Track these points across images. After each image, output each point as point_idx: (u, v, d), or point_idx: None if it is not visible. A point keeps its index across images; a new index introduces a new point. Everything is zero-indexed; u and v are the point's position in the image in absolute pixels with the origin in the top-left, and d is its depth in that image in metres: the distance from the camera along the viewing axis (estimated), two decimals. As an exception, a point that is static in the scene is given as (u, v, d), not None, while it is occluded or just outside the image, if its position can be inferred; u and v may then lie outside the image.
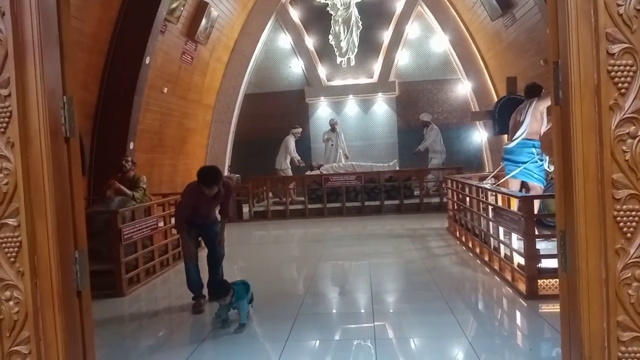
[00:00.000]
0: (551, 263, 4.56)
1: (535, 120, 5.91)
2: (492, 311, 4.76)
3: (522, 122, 5.98)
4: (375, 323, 4.21)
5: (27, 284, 1.91)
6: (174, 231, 6.97)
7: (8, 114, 1.95)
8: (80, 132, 7.47)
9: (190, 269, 4.87)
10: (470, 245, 6.88)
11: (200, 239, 5.43)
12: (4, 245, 1.92)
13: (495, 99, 10.94)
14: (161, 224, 6.61)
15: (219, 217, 5.24)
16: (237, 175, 12.05)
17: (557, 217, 1.99)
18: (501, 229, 5.51)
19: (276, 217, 11.23)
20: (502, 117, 7.50)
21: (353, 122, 13.76)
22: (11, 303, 1.91)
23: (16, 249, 1.91)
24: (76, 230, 2.09)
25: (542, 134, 6.05)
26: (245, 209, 11.45)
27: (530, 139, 5.94)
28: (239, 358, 3.68)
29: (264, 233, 10.14)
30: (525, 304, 4.52)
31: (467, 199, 7.12)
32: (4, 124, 1.94)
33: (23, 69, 1.97)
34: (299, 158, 12.13)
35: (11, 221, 1.91)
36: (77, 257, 2.08)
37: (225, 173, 12.65)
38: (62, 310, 1.95)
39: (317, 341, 3.98)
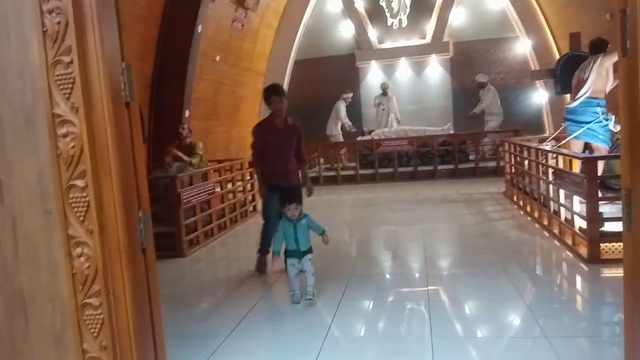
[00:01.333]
0: (614, 226, 4.38)
1: (600, 77, 5.58)
2: (551, 275, 4.64)
3: (586, 79, 5.66)
4: (429, 287, 4.20)
5: (95, 241, 2.02)
6: (230, 195, 7.19)
7: (71, 80, 2.03)
8: (139, 102, 7.75)
9: (269, 221, 4.80)
10: (529, 209, 6.69)
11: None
12: (73, 205, 2.03)
13: (557, 57, 10.38)
14: (218, 189, 6.80)
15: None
16: (290, 142, 12.12)
17: (623, 175, 1.90)
18: (562, 192, 5.31)
19: (328, 182, 11.30)
20: (565, 75, 7.10)
21: (405, 85, 13.45)
22: (82, 259, 2.04)
23: (85, 209, 2.02)
24: (139, 191, 2.18)
25: (607, 92, 5.71)
26: (298, 175, 11.57)
27: (595, 98, 5.63)
28: (293, 316, 3.80)
29: (316, 198, 10.18)
30: (586, 268, 4.38)
31: (526, 161, 6.88)
32: (68, 90, 2.03)
33: (83, 37, 2.04)
34: (350, 123, 12.06)
35: (79, 182, 2.01)
36: (141, 217, 2.17)
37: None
38: (129, 266, 2.06)
39: (370, 302, 4.03)
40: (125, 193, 2.08)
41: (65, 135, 2.02)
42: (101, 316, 2.05)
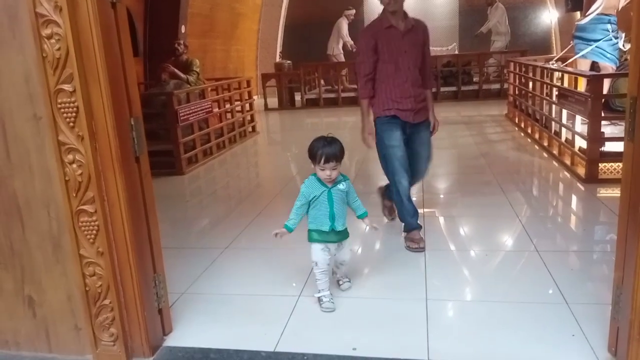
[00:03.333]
0: (614, 146, 4.34)
1: (614, -8, 5.30)
2: (547, 194, 4.67)
3: (600, -6, 5.39)
4: (425, 209, 4.23)
5: (87, 148, 1.99)
6: (228, 115, 7.11)
7: (53, -24, 1.91)
8: (132, 15, 7.44)
9: (400, 187, 3.24)
10: (530, 131, 6.62)
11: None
12: (62, 110, 1.98)
13: (570, -27, 9.86)
14: (216, 108, 6.70)
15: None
16: (289, 62, 11.83)
17: (630, 82, 1.83)
18: (564, 113, 5.23)
19: (328, 104, 11.13)
20: (577, -10, 6.79)
21: (410, 2, 12.85)
22: (74, 166, 2.02)
23: (74, 114, 1.97)
24: (130, 97, 2.12)
25: (619, 8, 5.46)
26: (297, 97, 11.39)
27: (607, 14, 5.38)
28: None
29: (316, 121, 10.13)
30: (583, 188, 4.39)
31: (530, 82, 6.72)
32: (51, -13, 1.92)
33: None
34: (352, 42, 11.67)
35: (67, 87, 1.95)
36: (133, 124, 2.13)
37: (277, 59, 12.47)
38: (122, 173, 2.05)
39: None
40: (115, 98, 2.02)
41: (49, 37, 1.93)
42: (96, 223, 2.06)
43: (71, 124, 1.99)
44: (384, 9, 3.14)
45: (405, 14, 3.16)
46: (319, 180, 2.59)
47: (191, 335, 2.37)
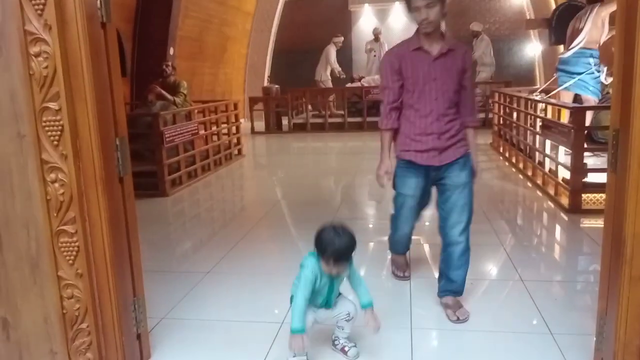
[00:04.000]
0: (597, 177, 4.40)
1: (595, 27, 5.47)
2: (531, 223, 4.70)
3: (582, 29, 5.55)
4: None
5: (70, 167, 1.96)
6: (214, 137, 7.09)
7: (44, -5, 1.91)
8: (121, 36, 7.45)
9: (403, 212, 2.86)
10: (514, 160, 6.71)
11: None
12: (47, 128, 1.95)
13: (554, 7, 10.16)
14: (202, 131, 6.69)
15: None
16: (277, 86, 11.91)
17: (612, 114, 1.87)
18: (548, 143, 5.31)
19: (315, 129, 11.19)
20: (560, 25, 6.97)
21: (398, 31, 13.11)
22: (57, 185, 1.98)
23: (59, 133, 1.95)
24: (116, 117, 2.11)
25: (601, 43, 5.62)
26: (285, 121, 11.44)
27: (589, 48, 5.54)
28: (274, 256, 3.82)
29: (302, 145, 10.17)
30: (567, 218, 4.44)
31: (515, 113, 6.84)
32: (41, 6, 1.90)
33: (56, -51, 1.91)
34: (340, 69, 11.85)
35: (52, 105, 1.93)
36: (118, 144, 2.11)
37: (265, 84, 12.56)
38: (105, 193, 2.01)
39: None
40: (101, 118, 2.00)
41: (37, 55, 1.92)
42: (77, 243, 2.02)
43: (55, 142, 1.96)
44: (417, 30, 2.61)
45: (442, 34, 2.59)
46: (320, 267, 2.18)
47: (170, 361, 2.31)
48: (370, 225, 4.65)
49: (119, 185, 2.12)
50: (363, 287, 2.28)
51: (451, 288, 2.73)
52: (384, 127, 2.70)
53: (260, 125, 11.33)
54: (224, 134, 7.49)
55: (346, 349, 2.30)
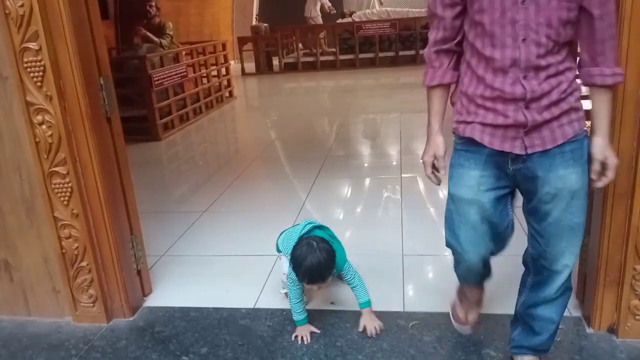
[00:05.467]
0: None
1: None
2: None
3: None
4: (403, 173, 4.27)
5: (56, 108, 1.95)
6: (204, 80, 6.98)
7: None
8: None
9: (458, 243, 1.67)
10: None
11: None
12: (29, 69, 1.92)
13: None
14: (191, 73, 6.57)
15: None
16: (265, 25, 11.61)
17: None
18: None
19: (307, 69, 11.01)
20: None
21: (388, -36, 12.68)
22: (44, 127, 1.98)
23: (41, 73, 1.92)
24: (98, 56, 2.07)
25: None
26: (275, 61, 11.24)
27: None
28: (269, 193, 3.87)
29: (294, 85, 10.04)
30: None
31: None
32: (9, -60, 1.83)
33: None
34: (330, 4, 11.51)
35: (32, 45, 1.90)
36: (103, 84, 2.08)
37: (253, 22, 12.22)
38: (94, 134, 2.01)
39: (344, 182, 4.09)
40: (83, 57, 1.97)
41: (11, -7, 1.86)
42: (69, 184, 2.04)
43: (39, 83, 1.94)
44: None
45: None
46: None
47: (171, 295, 2.39)
48: (365, 164, 4.67)
49: (106, 125, 2.12)
50: (361, 287, 2.00)
51: (532, 344, 1.70)
52: (429, 82, 1.58)
53: (250, 66, 11.13)
54: (214, 76, 7.37)
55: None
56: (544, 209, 1.51)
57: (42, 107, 1.96)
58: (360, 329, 2.01)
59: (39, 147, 2.00)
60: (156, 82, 5.46)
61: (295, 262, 1.88)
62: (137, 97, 5.54)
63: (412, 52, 10.66)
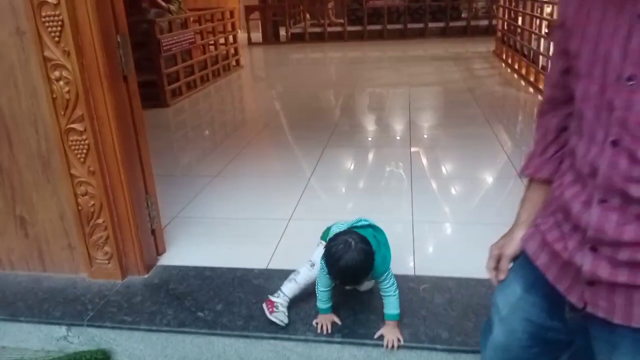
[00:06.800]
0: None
1: None
2: (531, 126, 4.71)
3: None
4: (412, 141, 4.27)
5: (74, 64, 1.94)
6: (212, 48, 6.92)
7: None
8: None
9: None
10: (517, 66, 6.60)
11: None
12: (47, 24, 1.91)
13: None
14: (198, 40, 6.51)
15: None
16: (274, -6, 11.43)
17: None
18: (553, 45, 5.20)
19: (314, 39, 10.90)
20: None
21: None
22: (61, 83, 1.97)
23: (59, 28, 1.91)
24: (115, 14, 2.05)
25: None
26: (282, 32, 11.11)
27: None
28: (278, 162, 3.88)
29: (301, 57, 9.95)
30: (568, 121, 4.45)
31: (520, 17, 6.64)
32: None
33: None
34: (339, -26, 11.32)
35: (50, -1, 1.88)
36: (120, 42, 2.07)
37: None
38: (111, 91, 2.01)
39: (352, 150, 4.10)
40: (101, 13, 1.95)
41: (29, -54, 1.84)
42: (86, 142, 2.04)
43: (56, 38, 1.92)
44: None
45: None
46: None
47: (185, 255, 2.42)
48: (374, 136, 4.65)
49: (123, 83, 2.11)
50: (395, 299, 1.79)
51: None
52: (521, 168, 1.17)
53: (257, 36, 11.02)
54: (221, 44, 7.30)
55: None
56: None
57: (59, 62, 1.95)
58: (377, 336, 1.81)
59: (56, 103, 2.00)
60: (165, 48, 5.42)
61: (329, 258, 1.68)
62: (145, 62, 5.49)
63: (421, 25, 10.54)
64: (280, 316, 1.88)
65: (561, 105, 1.03)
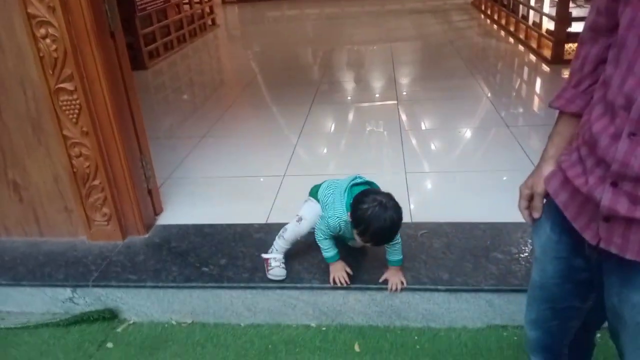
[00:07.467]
0: (580, 28, 4.39)
1: None
2: (513, 75, 4.76)
3: None
4: (399, 95, 4.27)
5: (60, 21, 1.88)
6: (186, 7, 6.72)
7: None
8: None
9: (527, 309, 1.27)
10: (496, 17, 6.58)
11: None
12: (27, -20, 1.83)
13: None
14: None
15: None
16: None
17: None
18: (532, -6, 5.19)
19: (289, -4, 10.64)
20: None
21: None
22: (48, 40, 1.91)
23: (41, -17, 1.84)
24: (97, -34, 1.98)
25: None
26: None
27: None
28: (267, 118, 3.85)
29: (277, 14, 9.72)
30: (548, 69, 4.49)
31: (498, -35, 6.57)
32: None
33: None
34: None
35: (29, -49, 1.80)
36: (104, -4, 2.01)
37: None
38: (100, 48, 1.96)
39: (342, 100, 4.09)
40: (84, -34, 1.88)
41: None
42: (78, 101, 2.00)
43: (39, -6, 1.85)
44: None
45: None
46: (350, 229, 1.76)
47: (182, 214, 2.42)
48: (355, 94, 4.63)
49: (111, 40, 2.06)
50: (396, 245, 1.82)
51: None
52: (552, 100, 1.12)
53: (230, -6, 10.71)
54: (196, 2, 7.08)
55: None
56: (614, 326, 1.05)
57: (45, 19, 1.88)
58: (381, 280, 1.86)
59: (44, 62, 1.94)
60: (139, 7, 5.24)
61: (364, 220, 1.63)
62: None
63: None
64: (276, 272, 1.90)
65: (603, 33, 0.98)
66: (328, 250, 1.86)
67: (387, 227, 1.64)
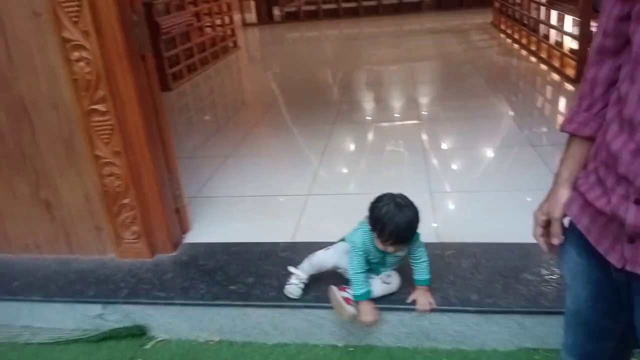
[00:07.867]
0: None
1: None
2: (535, 93, 4.74)
3: None
4: (422, 114, 4.28)
5: (93, 44, 1.93)
6: (208, 30, 6.86)
7: None
8: None
9: (565, 330, 1.25)
10: (517, 36, 6.58)
11: None
12: (63, 5, 1.90)
13: None
14: (195, 22, 6.44)
15: None
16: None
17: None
18: (554, 14, 5.19)
19: (309, 18, 10.79)
20: None
21: None
22: (82, 64, 1.97)
23: (77, 8, 1.90)
24: (130, -8, 2.04)
25: None
26: (276, 11, 10.99)
27: None
28: (289, 139, 3.88)
29: (297, 35, 9.86)
30: (572, 87, 4.46)
31: (517, -15, 6.60)
32: None
33: None
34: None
35: (67, -21, 1.86)
36: (136, 20, 2.07)
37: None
38: (131, 71, 2.01)
39: (361, 123, 4.11)
40: (118, -7, 1.94)
41: None
42: (110, 122, 2.05)
43: (75, 19, 1.91)
44: None
45: None
46: (373, 242, 1.79)
47: (209, 232, 2.44)
48: (377, 113, 4.65)
49: (141, 63, 2.11)
50: (424, 263, 1.84)
51: None
52: (562, 124, 1.10)
53: (250, 17, 10.90)
54: (218, 25, 7.23)
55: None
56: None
57: (78, 43, 1.94)
58: (409, 300, 1.85)
59: (77, 85, 2.00)
60: (164, 30, 5.36)
61: (382, 218, 1.68)
62: (144, 47, 5.46)
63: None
64: (292, 289, 1.91)
65: (611, 55, 0.98)
66: (360, 285, 1.79)
67: (404, 222, 1.69)
